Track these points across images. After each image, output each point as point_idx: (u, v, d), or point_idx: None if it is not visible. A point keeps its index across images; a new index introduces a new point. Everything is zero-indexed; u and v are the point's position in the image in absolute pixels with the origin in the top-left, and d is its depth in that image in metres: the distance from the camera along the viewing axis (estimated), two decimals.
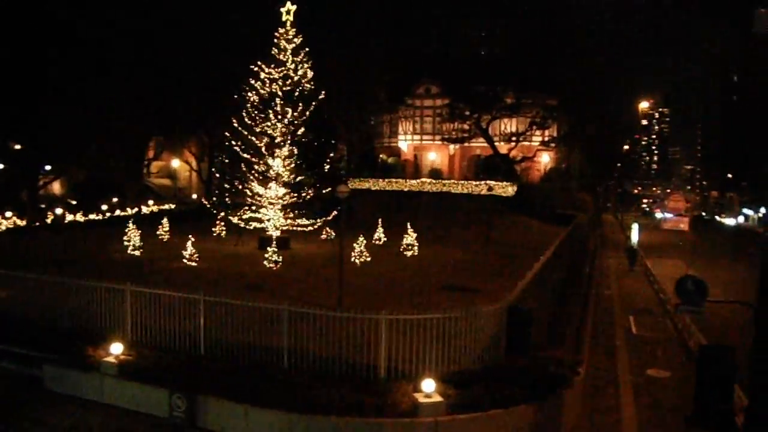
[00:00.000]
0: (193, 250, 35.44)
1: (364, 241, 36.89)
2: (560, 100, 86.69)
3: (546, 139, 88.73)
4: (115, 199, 71.15)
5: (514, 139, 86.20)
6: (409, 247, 40.25)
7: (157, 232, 46.21)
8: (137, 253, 39.00)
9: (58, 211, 56.76)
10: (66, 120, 61.74)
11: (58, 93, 61.20)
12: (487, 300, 25.39)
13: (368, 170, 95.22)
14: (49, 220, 54.15)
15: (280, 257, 34.76)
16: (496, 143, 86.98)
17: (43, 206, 64.89)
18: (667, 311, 30.28)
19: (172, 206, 67.68)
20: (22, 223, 51.96)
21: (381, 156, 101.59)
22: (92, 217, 57.87)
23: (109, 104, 64.19)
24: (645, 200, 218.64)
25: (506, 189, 79.01)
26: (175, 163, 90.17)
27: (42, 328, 20.40)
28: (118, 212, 61.51)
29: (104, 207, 61.44)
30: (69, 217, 56.05)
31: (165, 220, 46.86)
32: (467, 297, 27.28)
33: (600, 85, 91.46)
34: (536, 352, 17.55)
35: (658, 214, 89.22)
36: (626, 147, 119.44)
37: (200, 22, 71.23)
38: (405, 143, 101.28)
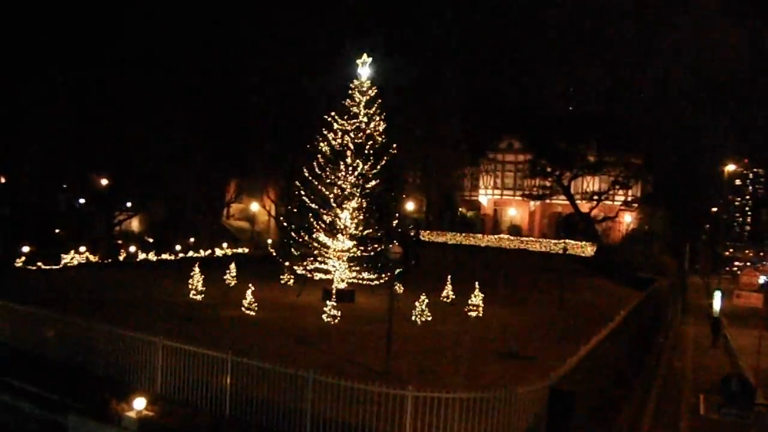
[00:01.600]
0: (252, 299, 35.03)
1: (426, 300, 35.78)
2: (645, 160, 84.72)
3: (629, 199, 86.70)
4: (191, 240, 71.84)
5: (595, 197, 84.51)
6: (474, 308, 39.04)
7: (224, 277, 46.18)
8: (199, 297, 38.82)
9: (132, 248, 57.38)
10: (147, 155, 62.84)
11: (141, 128, 62.38)
12: (541, 371, 24.30)
13: (447, 223, 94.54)
14: (121, 258, 54.72)
15: (339, 312, 34.02)
16: (578, 201, 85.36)
17: (120, 242, 65.84)
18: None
19: (246, 250, 67.84)
20: (94, 258, 52.57)
21: (461, 209, 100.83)
22: (165, 256, 58.36)
23: (190, 142, 65.22)
24: (737, 263, 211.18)
25: (585, 249, 77.17)
26: (254, 206, 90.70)
27: (77, 373, 20.21)
28: (191, 253, 61.91)
29: (178, 247, 61.86)
30: (142, 256, 56.61)
31: (233, 265, 46.80)
32: (522, 366, 26.11)
33: (688, 145, 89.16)
34: None
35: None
36: (715, 209, 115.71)
37: (283, 67, 72.07)
38: (485, 197, 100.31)
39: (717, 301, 48.31)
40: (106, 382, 19.53)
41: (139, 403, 16.98)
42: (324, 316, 33.75)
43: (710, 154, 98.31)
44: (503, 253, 79.32)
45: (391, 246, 24.36)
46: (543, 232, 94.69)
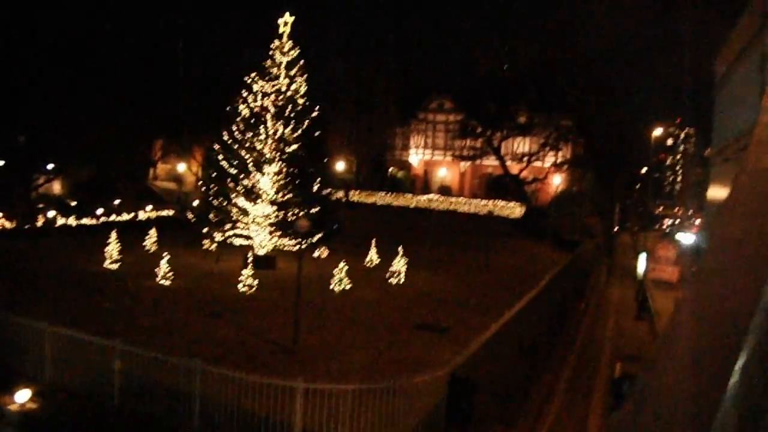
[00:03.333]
0: (168, 268, 34.07)
1: (346, 267, 35.10)
2: (574, 121, 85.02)
3: (559, 160, 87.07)
4: (116, 202, 70.00)
5: (525, 159, 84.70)
6: (396, 274, 38.56)
7: (144, 243, 45.03)
8: (114, 266, 37.59)
9: (51, 213, 55.49)
10: (68, 114, 60.75)
11: (62, 86, 60.20)
12: (454, 343, 24.00)
13: (377, 182, 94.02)
14: (39, 224, 52.92)
15: (256, 280, 33.23)
16: (508, 163, 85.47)
17: (41, 206, 63.70)
18: None
19: (171, 212, 66.24)
20: (10, 225, 50.74)
21: (391, 169, 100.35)
22: (86, 221, 56.62)
23: (112, 101, 63.31)
24: (667, 220, 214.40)
25: (513, 210, 77.42)
26: (182, 167, 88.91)
27: None
28: (114, 217, 60.22)
29: (100, 211, 60.06)
30: (61, 221, 54.83)
31: (153, 231, 45.65)
32: (435, 338, 25.79)
33: (617, 106, 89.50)
34: (482, 429, 15.96)
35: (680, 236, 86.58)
36: (645, 168, 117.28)
37: (209, 27, 70.51)
38: (416, 157, 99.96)
39: (642, 264, 48.07)
40: (4, 370, 18.60)
41: (22, 396, 16.08)
42: (240, 286, 32.96)
43: (641, 115, 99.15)
44: (432, 214, 79.14)
45: (299, 220, 23.50)
46: (473, 192, 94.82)
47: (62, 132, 62.86)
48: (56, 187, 75.67)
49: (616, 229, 77.98)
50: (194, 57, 72.56)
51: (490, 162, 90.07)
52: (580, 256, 53.12)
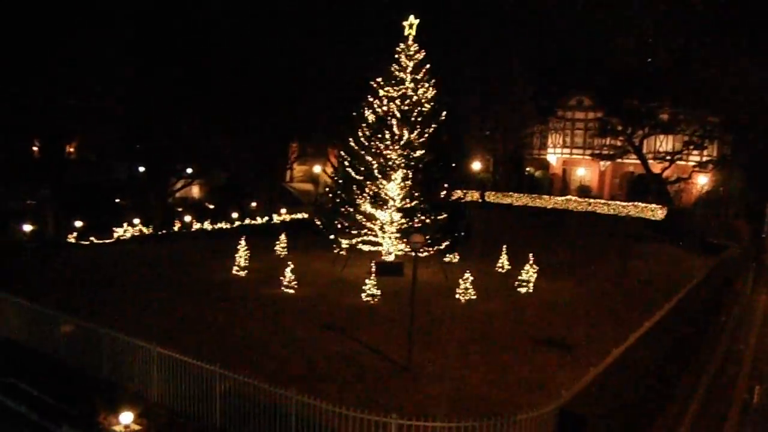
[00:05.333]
0: (292, 276, 34.02)
1: (471, 278, 34.05)
2: (722, 119, 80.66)
3: (704, 159, 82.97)
4: (253, 204, 71.32)
5: (668, 158, 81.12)
6: (525, 283, 37.23)
7: (275, 248, 45.36)
8: (242, 274, 37.91)
9: (187, 218, 56.84)
10: (204, 118, 62.13)
11: (199, 90, 61.67)
12: (576, 365, 22.73)
13: (515, 182, 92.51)
14: (176, 228, 54.23)
15: (379, 290, 32.69)
16: (650, 162, 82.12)
17: (179, 210, 65.48)
18: None
19: (306, 215, 66.73)
20: (148, 231, 52.16)
21: (528, 169, 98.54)
22: (221, 225, 57.78)
23: (248, 104, 64.45)
24: None
25: (655, 212, 74.35)
26: (318, 168, 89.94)
27: (82, 377, 19.58)
28: (248, 221, 61.29)
29: (235, 215, 61.20)
30: (197, 226, 56.08)
31: (283, 236, 45.89)
32: (558, 357, 24.48)
33: None
34: None
35: None
36: None
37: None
38: (554, 156, 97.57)
39: None
40: (107, 388, 18.80)
41: (126, 417, 16.03)
42: (363, 296, 32.49)
43: None
44: (570, 216, 77.08)
45: (413, 235, 22.69)
46: (613, 193, 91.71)
47: (199, 135, 64.31)
48: (195, 190, 77.71)
49: (766, 233, 73.41)
50: (328, 58, 73.00)
51: (632, 160, 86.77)
52: (724, 261, 50.24)
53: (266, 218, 63.00)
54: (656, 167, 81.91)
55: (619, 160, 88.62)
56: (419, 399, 19.39)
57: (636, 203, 77.97)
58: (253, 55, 65.86)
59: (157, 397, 18.23)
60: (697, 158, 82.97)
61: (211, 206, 71.17)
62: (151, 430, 16.25)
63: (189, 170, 70.78)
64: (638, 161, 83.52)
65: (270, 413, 15.50)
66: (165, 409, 17.73)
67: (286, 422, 15.28)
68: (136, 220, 52.06)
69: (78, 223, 48.88)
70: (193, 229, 55.28)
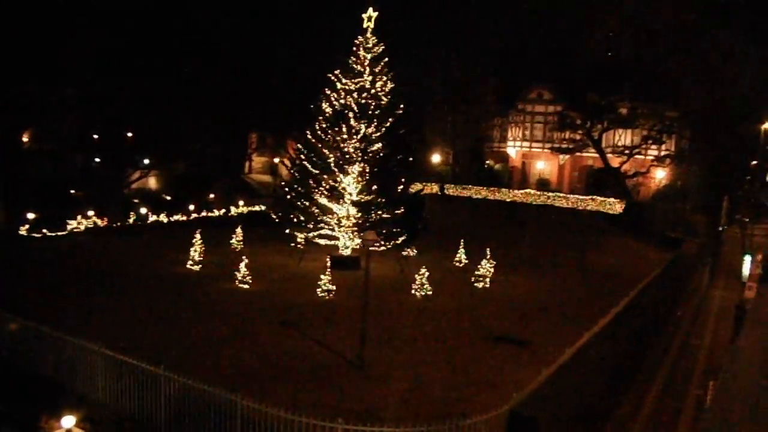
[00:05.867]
0: (246, 271, 33.56)
1: (427, 273, 33.83)
2: (681, 113, 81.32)
3: (662, 153, 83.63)
4: (211, 196, 70.39)
5: (627, 152, 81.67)
6: (481, 279, 37.08)
7: (231, 241, 44.82)
8: (197, 268, 37.29)
9: (142, 210, 55.88)
10: (162, 109, 61.33)
11: (157, 82, 60.91)
12: (533, 360, 22.64)
13: (474, 175, 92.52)
14: (131, 221, 53.32)
15: (333, 286, 32.34)
16: (608, 156, 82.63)
17: (136, 201, 64.37)
18: None
19: (263, 208, 65.99)
20: (102, 223, 51.20)
21: (488, 162, 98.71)
22: (177, 218, 56.92)
23: (207, 95, 63.88)
24: None
25: (614, 206, 74.83)
26: (277, 159, 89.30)
27: (32, 379, 19.16)
28: (205, 213, 60.50)
29: (191, 207, 60.34)
30: (152, 218, 55.17)
31: (239, 229, 45.36)
32: (515, 353, 24.35)
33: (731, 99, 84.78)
34: None
35: None
36: (755, 162, 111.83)
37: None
38: (513, 149, 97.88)
39: (746, 267, 45.08)
40: (54, 389, 18.36)
41: (68, 421, 15.45)
42: (318, 291, 32.12)
43: (753, 107, 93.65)
44: (529, 209, 77.26)
45: (365, 233, 22.48)
46: (572, 186, 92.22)
47: (156, 126, 63.46)
48: (152, 182, 76.48)
49: (723, 226, 73.91)
50: (287, 51, 72.50)
51: (591, 154, 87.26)
52: (682, 256, 50.61)
53: (223, 210, 62.19)
54: (615, 161, 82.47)
55: (579, 154, 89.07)
56: (371, 399, 19.12)
57: (594, 197, 78.47)
58: (219, 42, 65.43)
59: (103, 398, 17.74)
60: (656, 152, 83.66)
61: (168, 198, 70.04)
62: None
63: (146, 161, 69.74)
64: (597, 155, 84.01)
65: (216, 417, 15.12)
66: (111, 411, 17.27)
67: (233, 426, 14.90)
68: (91, 212, 50.93)
69: (30, 215, 47.79)
70: (148, 222, 54.27)
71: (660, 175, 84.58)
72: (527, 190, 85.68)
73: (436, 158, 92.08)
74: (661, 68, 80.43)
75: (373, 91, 39.65)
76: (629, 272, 43.50)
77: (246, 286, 33.21)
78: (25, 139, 65.14)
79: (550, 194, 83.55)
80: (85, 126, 63.34)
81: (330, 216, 39.86)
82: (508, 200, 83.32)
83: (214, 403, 15.10)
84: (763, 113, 73.66)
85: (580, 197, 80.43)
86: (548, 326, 29.08)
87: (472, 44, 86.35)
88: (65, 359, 18.78)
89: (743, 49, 74.28)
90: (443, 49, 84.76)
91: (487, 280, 37.03)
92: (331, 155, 39.28)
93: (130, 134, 66.56)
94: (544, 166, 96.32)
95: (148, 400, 16.63)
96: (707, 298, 44.46)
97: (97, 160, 67.27)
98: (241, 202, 66.27)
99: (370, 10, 40.07)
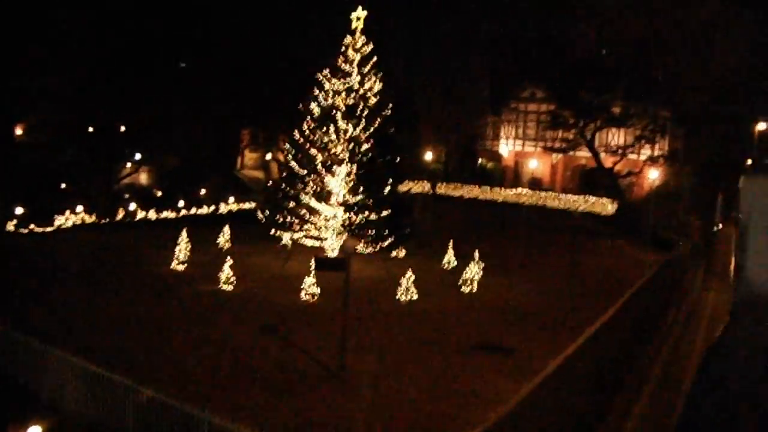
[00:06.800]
0: (230, 273, 33.21)
1: (413, 277, 33.47)
2: (673, 113, 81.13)
3: (655, 153, 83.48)
4: (202, 192, 69.96)
5: (620, 152, 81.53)
6: (468, 283, 36.73)
7: (218, 240, 44.40)
8: (181, 268, 36.96)
9: (132, 206, 55.49)
10: (155, 103, 61.08)
11: (150, 75, 60.69)
12: (516, 370, 22.35)
13: (467, 174, 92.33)
14: (119, 217, 52.95)
15: (318, 288, 32.03)
16: (601, 155, 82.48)
17: (126, 197, 63.92)
18: None
19: (253, 205, 65.53)
20: (90, 219, 50.82)
21: (480, 160, 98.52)
22: (166, 214, 56.56)
23: (200, 90, 63.68)
24: None
25: (606, 206, 74.65)
26: (269, 155, 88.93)
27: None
28: (194, 210, 60.11)
29: (181, 203, 59.91)
30: (141, 214, 54.81)
31: (227, 228, 44.87)
32: (497, 362, 24.01)
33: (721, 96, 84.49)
34: None
35: None
36: (749, 162, 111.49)
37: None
38: (506, 148, 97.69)
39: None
40: (23, 397, 18.20)
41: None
42: (302, 294, 31.82)
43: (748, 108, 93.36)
44: (521, 209, 76.98)
45: (346, 240, 22.24)
46: (565, 186, 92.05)
47: (148, 120, 63.17)
48: (143, 177, 76.02)
49: (719, 226, 73.67)
50: (281, 48, 72.26)
51: (583, 154, 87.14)
52: (675, 258, 50.25)
53: (213, 207, 61.78)
54: (608, 161, 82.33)
55: (571, 153, 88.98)
56: (349, 410, 18.86)
57: (587, 197, 78.36)
58: (216, 37, 65.33)
59: (73, 406, 17.42)
60: (649, 152, 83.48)
61: (159, 193, 69.66)
62: None
63: (138, 155, 69.32)
64: (590, 154, 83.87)
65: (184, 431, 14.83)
66: (81, 420, 16.97)
67: None
68: (79, 208, 50.55)
69: (18, 210, 47.37)
70: (136, 219, 53.90)
71: (653, 176, 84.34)
72: (519, 190, 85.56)
73: (428, 156, 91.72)
74: (654, 67, 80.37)
75: (361, 91, 39.44)
76: (622, 275, 43.20)
77: (229, 288, 32.86)
78: (18, 132, 64.78)
79: (543, 193, 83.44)
80: (77, 117, 62.87)
81: (317, 217, 39.58)
82: (500, 200, 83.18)
83: (182, 418, 14.78)
84: (756, 112, 73.60)
85: (573, 197, 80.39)
86: (535, 332, 28.74)
87: (465, 42, 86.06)
88: (36, 366, 18.49)
89: (738, 45, 74.20)
90: (436, 47, 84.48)
91: (475, 284, 36.69)
92: (319, 155, 38.98)
93: (123, 128, 66.08)
94: (536, 165, 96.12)
95: (117, 410, 16.31)
96: (700, 301, 44.25)
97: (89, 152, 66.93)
98: (231, 199, 65.95)
99: (359, 9, 39.80)
